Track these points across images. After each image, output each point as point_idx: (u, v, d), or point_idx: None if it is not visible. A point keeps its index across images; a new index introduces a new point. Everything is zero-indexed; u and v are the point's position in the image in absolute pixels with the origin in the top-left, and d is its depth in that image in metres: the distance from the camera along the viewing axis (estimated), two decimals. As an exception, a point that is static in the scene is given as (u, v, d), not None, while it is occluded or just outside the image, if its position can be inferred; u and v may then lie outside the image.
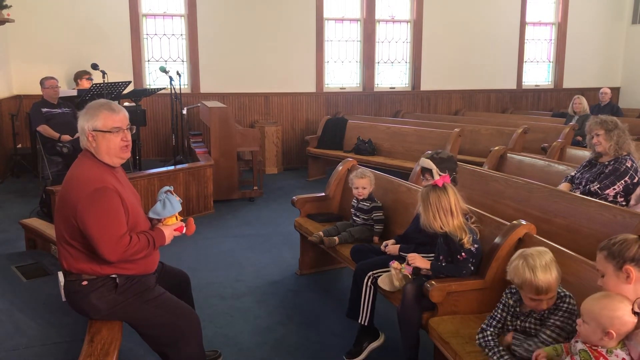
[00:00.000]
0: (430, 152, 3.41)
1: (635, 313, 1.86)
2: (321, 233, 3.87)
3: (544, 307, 2.17)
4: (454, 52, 9.54)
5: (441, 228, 2.76)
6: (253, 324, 3.57)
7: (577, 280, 2.36)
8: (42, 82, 6.42)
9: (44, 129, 6.17)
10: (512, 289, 2.30)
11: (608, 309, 1.85)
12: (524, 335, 2.20)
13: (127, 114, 2.57)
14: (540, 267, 2.14)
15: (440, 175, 3.15)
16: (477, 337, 2.33)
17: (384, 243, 3.40)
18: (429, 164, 3.22)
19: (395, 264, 2.97)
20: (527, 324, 2.19)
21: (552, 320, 2.10)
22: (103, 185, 2.36)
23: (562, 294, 2.13)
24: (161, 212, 2.57)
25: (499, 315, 2.30)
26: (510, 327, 2.27)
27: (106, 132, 2.46)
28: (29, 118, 6.64)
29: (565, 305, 2.09)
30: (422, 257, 2.98)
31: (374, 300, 3.10)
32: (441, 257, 2.87)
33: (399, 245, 3.26)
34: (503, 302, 2.31)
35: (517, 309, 2.25)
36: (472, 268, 2.81)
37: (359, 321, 3.13)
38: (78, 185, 2.38)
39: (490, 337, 2.27)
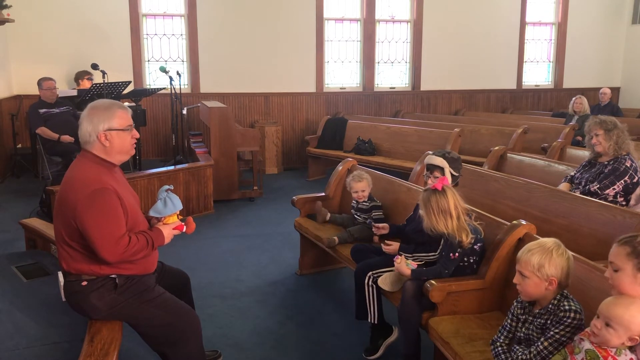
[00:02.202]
0: (438, 151, 3.43)
1: None
2: (335, 238, 3.80)
3: (520, 288, 2.16)
4: (454, 52, 9.54)
5: (445, 229, 2.79)
6: (253, 324, 3.57)
7: (577, 281, 2.36)
8: (39, 83, 6.39)
9: (43, 131, 6.16)
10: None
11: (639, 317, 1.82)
12: (527, 343, 2.19)
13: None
14: (539, 249, 2.13)
15: (452, 174, 3.18)
16: (491, 348, 2.33)
17: (379, 225, 3.45)
18: (442, 162, 3.25)
19: (398, 259, 2.97)
20: (529, 332, 2.17)
21: (552, 332, 2.05)
22: (102, 186, 2.36)
23: (568, 307, 2.06)
24: (162, 210, 2.57)
25: (508, 325, 2.29)
26: (517, 335, 2.26)
27: (121, 130, 2.47)
28: (28, 120, 6.64)
29: (569, 320, 2.03)
30: (424, 256, 3.02)
31: (378, 298, 3.11)
32: (444, 254, 2.87)
33: (398, 244, 3.26)
34: (511, 311, 2.30)
35: (522, 317, 2.24)
36: (474, 265, 2.83)
37: (369, 320, 3.15)
38: (77, 186, 2.38)
39: (500, 349, 2.27)
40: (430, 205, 2.81)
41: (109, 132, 2.45)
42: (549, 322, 2.10)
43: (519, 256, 2.20)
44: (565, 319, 2.04)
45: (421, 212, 2.90)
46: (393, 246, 3.25)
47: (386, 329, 3.20)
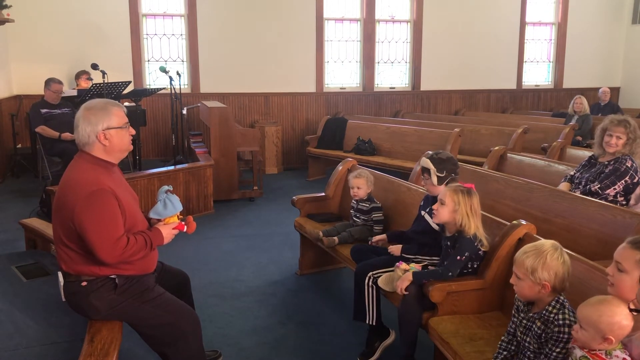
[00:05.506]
0: (430, 152, 3.42)
1: (632, 310, 1.84)
2: (320, 232, 3.86)
3: (516, 288, 2.16)
4: (454, 52, 9.54)
5: (460, 228, 2.77)
6: (253, 324, 3.57)
7: (577, 281, 2.36)
8: (47, 83, 6.36)
9: (43, 129, 6.16)
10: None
11: (606, 316, 1.80)
12: (521, 348, 2.18)
13: None
14: (534, 252, 2.11)
15: (437, 176, 3.17)
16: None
17: (375, 238, 3.43)
18: (428, 163, 3.23)
19: (403, 265, 2.95)
20: (524, 337, 2.17)
21: (549, 349, 2.04)
22: (99, 188, 2.35)
23: (562, 321, 2.03)
24: (162, 212, 2.56)
25: (512, 323, 2.29)
26: (517, 336, 2.25)
27: (119, 128, 2.48)
28: (29, 119, 6.64)
29: (566, 335, 2.01)
30: (427, 259, 3.05)
31: (377, 299, 3.10)
32: (449, 257, 2.86)
33: (401, 245, 3.25)
34: (514, 308, 2.30)
35: (520, 315, 2.24)
36: (476, 271, 2.83)
37: (367, 322, 3.13)
38: (74, 188, 2.38)
39: (500, 349, 2.29)
40: (458, 200, 2.76)
41: (108, 131, 2.45)
42: (543, 335, 2.08)
43: (515, 257, 2.19)
44: (561, 335, 2.02)
45: (446, 207, 2.81)
46: (396, 247, 3.23)
47: (383, 331, 3.19)
